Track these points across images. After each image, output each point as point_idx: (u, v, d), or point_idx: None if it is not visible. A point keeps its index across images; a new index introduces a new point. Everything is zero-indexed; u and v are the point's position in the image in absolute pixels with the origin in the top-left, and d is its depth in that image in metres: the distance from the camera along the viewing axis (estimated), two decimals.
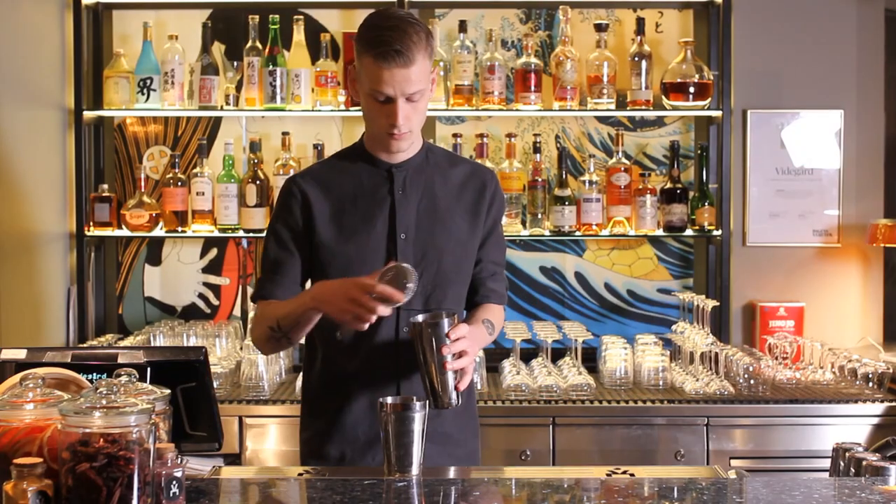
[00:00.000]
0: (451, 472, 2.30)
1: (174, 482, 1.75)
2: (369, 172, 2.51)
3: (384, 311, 2.25)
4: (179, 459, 1.80)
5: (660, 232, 4.08)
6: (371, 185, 2.50)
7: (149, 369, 2.13)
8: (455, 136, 4.07)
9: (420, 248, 2.47)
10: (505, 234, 2.97)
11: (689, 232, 4.09)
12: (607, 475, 2.16)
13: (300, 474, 2.20)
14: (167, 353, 2.23)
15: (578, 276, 4.26)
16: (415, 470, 2.09)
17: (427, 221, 2.49)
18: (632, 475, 2.15)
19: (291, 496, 2.07)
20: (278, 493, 2.08)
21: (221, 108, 4.08)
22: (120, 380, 1.76)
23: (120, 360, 2.13)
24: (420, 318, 2.28)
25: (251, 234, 4.07)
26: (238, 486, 2.16)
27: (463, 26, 4.04)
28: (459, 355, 2.28)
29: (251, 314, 3.84)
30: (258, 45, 4.04)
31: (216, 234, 4.09)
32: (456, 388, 2.29)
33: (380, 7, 4.16)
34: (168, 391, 1.89)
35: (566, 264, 4.25)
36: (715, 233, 4.07)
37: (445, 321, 2.27)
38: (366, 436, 2.45)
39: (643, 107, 4.04)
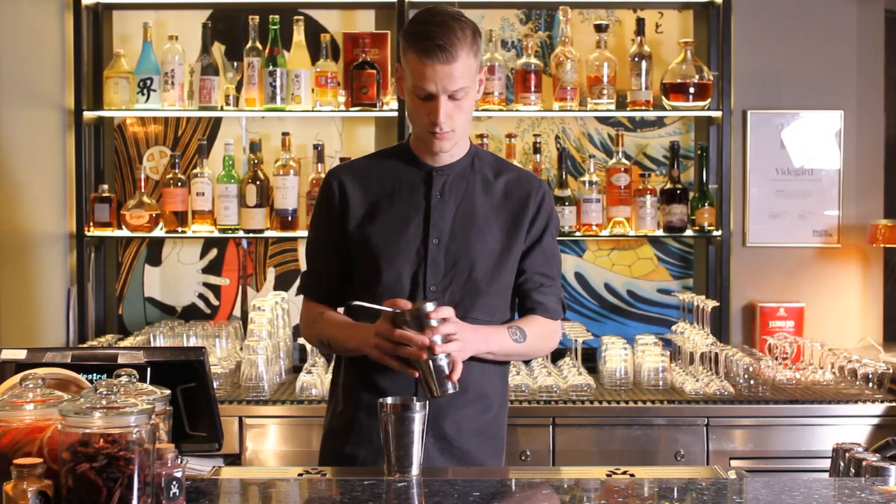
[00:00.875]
0: (451, 473, 2.29)
1: (174, 482, 1.75)
2: (409, 173, 2.48)
3: (415, 352, 2.26)
4: (179, 460, 1.80)
5: (660, 232, 4.08)
6: (409, 186, 2.46)
7: (149, 370, 2.13)
8: None
9: (452, 255, 2.43)
10: None
11: (689, 232, 4.09)
12: (607, 475, 2.16)
13: (300, 474, 2.20)
14: (167, 354, 2.22)
15: (578, 276, 4.26)
16: (415, 470, 2.08)
17: (462, 229, 2.44)
18: (632, 475, 2.15)
19: (291, 496, 2.07)
20: (278, 494, 2.08)
21: (221, 109, 4.09)
22: (120, 380, 1.76)
23: (120, 361, 2.13)
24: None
25: (251, 235, 4.07)
26: (238, 486, 2.15)
27: None
28: (447, 341, 2.26)
29: (251, 314, 3.84)
30: (258, 45, 4.04)
31: (216, 234, 4.09)
32: (449, 377, 2.27)
33: (380, 8, 4.21)
34: (168, 391, 1.89)
35: (566, 265, 4.24)
36: (715, 233, 4.07)
37: (427, 305, 2.26)
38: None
39: (643, 107, 4.05)
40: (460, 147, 2.48)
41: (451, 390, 2.29)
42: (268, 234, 4.08)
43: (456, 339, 2.27)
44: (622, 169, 4.06)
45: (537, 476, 2.15)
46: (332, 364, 2.65)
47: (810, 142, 4.18)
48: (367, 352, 2.35)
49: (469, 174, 2.49)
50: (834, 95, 4.18)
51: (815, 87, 4.18)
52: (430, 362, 2.26)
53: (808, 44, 4.18)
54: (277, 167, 4.06)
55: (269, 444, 3.51)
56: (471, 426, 2.45)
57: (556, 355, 3.85)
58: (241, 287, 4.27)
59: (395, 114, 4.02)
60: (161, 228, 4.10)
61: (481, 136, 4.07)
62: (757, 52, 4.16)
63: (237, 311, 4.26)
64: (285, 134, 4.09)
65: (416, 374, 2.29)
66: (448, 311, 2.28)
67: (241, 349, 3.81)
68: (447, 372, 2.27)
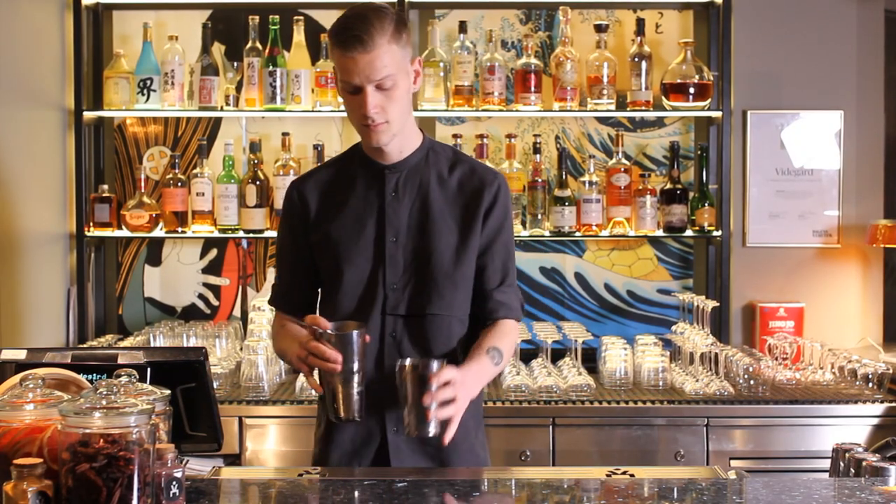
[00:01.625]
0: (451, 473, 2.30)
1: (174, 482, 1.75)
2: (363, 174, 2.48)
3: (325, 366, 2.24)
4: (179, 460, 1.80)
5: (660, 232, 4.08)
6: (364, 188, 2.47)
7: (149, 370, 2.14)
8: (455, 136, 4.07)
9: (410, 252, 2.43)
10: None
11: (688, 232, 4.09)
12: (607, 476, 2.16)
13: (300, 475, 2.20)
14: (167, 354, 2.23)
15: (578, 276, 4.26)
16: (432, 430, 2.14)
17: (419, 225, 2.44)
18: (632, 476, 2.15)
19: (291, 497, 2.07)
20: (278, 494, 2.08)
21: (221, 109, 4.08)
22: (120, 380, 1.77)
23: (120, 361, 2.14)
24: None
25: (251, 235, 4.07)
26: (238, 486, 2.16)
27: (463, 27, 4.05)
28: (446, 403, 2.19)
29: (251, 314, 3.85)
30: (258, 45, 4.04)
31: (216, 234, 4.09)
32: (441, 430, 2.22)
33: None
34: (168, 391, 1.89)
35: (566, 265, 4.25)
36: (715, 233, 4.07)
37: (353, 333, 2.24)
38: (353, 443, 2.44)
39: (643, 107, 4.04)
40: (410, 142, 2.47)
41: (357, 418, 2.28)
42: (268, 234, 4.08)
43: (454, 403, 2.20)
44: (622, 169, 4.06)
45: (537, 476, 2.15)
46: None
47: (810, 142, 4.18)
48: (294, 363, 2.36)
49: (423, 169, 2.48)
50: (834, 95, 4.18)
51: (815, 87, 4.18)
52: (340, 384, 2.25)
53: (808, 44, 4.18)
54: (277, 167, 4.06)
55: (269, 444, 3.51)
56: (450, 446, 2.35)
57: (557, 355, 3.85)
58: (241, 287, 4.27)
59: None
60: (161, 228, 4.10)
61: (481, 137, 4.07)
62: (757, 52, 4.16)
63: (237, 312, 4.26)
64: (285, 134, 4.09)
65: (321, 391, 2.30)
66: (448, 375, 2.20)
67: (241, 349, 3.81)
68: (357, 399, 2.26)
